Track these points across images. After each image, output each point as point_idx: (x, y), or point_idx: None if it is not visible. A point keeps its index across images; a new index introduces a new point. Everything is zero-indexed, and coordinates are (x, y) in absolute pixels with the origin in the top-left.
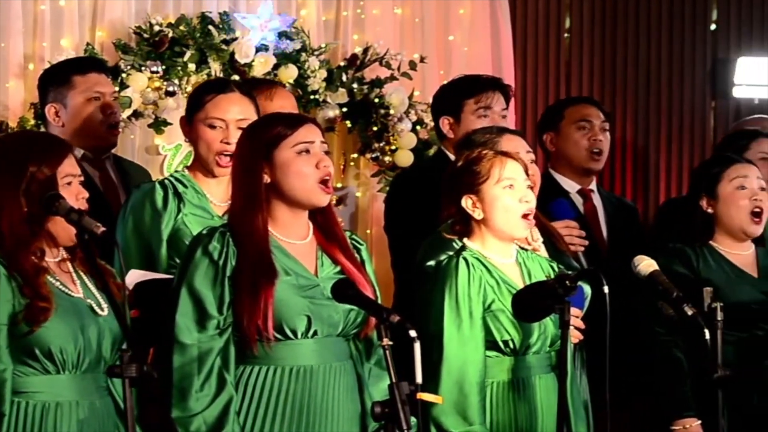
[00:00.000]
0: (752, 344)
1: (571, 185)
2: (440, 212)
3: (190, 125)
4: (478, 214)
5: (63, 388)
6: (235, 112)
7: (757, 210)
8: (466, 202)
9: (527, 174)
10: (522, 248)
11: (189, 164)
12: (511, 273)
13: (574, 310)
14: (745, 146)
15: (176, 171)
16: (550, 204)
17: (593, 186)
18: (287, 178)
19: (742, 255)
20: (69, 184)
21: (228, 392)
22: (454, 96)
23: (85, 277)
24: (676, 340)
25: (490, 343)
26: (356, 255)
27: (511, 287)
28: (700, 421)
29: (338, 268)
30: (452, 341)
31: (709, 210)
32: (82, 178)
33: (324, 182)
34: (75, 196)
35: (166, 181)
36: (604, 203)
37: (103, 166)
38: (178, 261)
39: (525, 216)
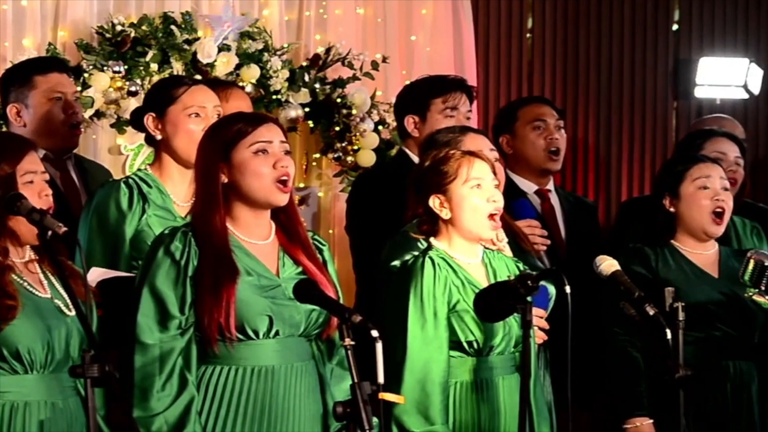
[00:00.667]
0: (709, 345)
1: (528, 186)
2: (403, 212)
3: (162, 119)
4: (445, 214)
5: (31, 387)
6: (212, 100)
7: (719, 210)
8: (434, 202)
9: (494, 173)
10: (487, 248)
11: (151, 163)
12: (476, 273)
13: (538, 311)
14: (700, 146)
15: (139, 170)
16: (512, 203)
17: (551, 186)
18: (244, 178)
19: (703, 255)
20: (31, 182)
21: (189, 392)
22: (421, 95)
23: (52, 278)
24: (633, 340)
25: (454, 344)
26: (318, 255)
27: (477, 287)
28: (651, 421)
29: (300, 269)
30: (416, 341)
31: (672, 209)
32: (46, 176)
33: (282, 182)
34: (38, 193)
35: (131, 180)
36: (562, 203)
37: (65, 166)
38: (140, 262)
39: (492, 216)
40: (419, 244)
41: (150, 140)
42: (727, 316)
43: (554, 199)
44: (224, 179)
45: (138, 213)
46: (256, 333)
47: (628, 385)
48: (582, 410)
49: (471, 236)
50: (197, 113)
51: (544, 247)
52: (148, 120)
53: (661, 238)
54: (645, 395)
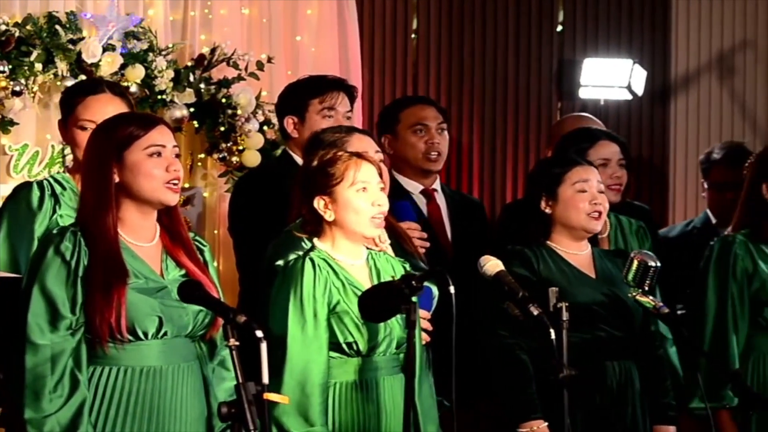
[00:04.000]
0: (594, 345)
1: (413, 186)
2: (286, 212)
3: (66, 129)
4: (329, 216)
5: None
6: (105, 113)
7: (596, 214)
8: (318, 203)
9: (380, 176)
10: (369, 248)
11: (70, 166)
12: (358, 274)
13: (422, 312)
14: (584, 150)
15: (57, 173)
16: (394, 204)
17: (437, 185)
18: (136, 179)
19: (579, 255)
20: None
21: (81, 393)
22: (299, 95)
23: None
24: (519, 342)
25: (334, 345)
26: (200, 256)
27: (358, 289)
28: (546, 423)
29: (183, 271)
30: (296, 342)
31: (548, 210)
32: None
33: (173, 183)
34: None
35: (45, 182)
36: (448, 202)
37: None
38: None
39: (375, 218)
40: (303, 243)
41: None
42: (609, 316)
43: (440, 199)
44: (116, 179)
45: (48, 212)
46: (146, 334)
47: (519, 389)
48: (466, 411)
49: (355, 237)
50: (83, 126)
51: (423, 250)
52: (59, 126)
53: (536, 238)
54: (536, 397)
